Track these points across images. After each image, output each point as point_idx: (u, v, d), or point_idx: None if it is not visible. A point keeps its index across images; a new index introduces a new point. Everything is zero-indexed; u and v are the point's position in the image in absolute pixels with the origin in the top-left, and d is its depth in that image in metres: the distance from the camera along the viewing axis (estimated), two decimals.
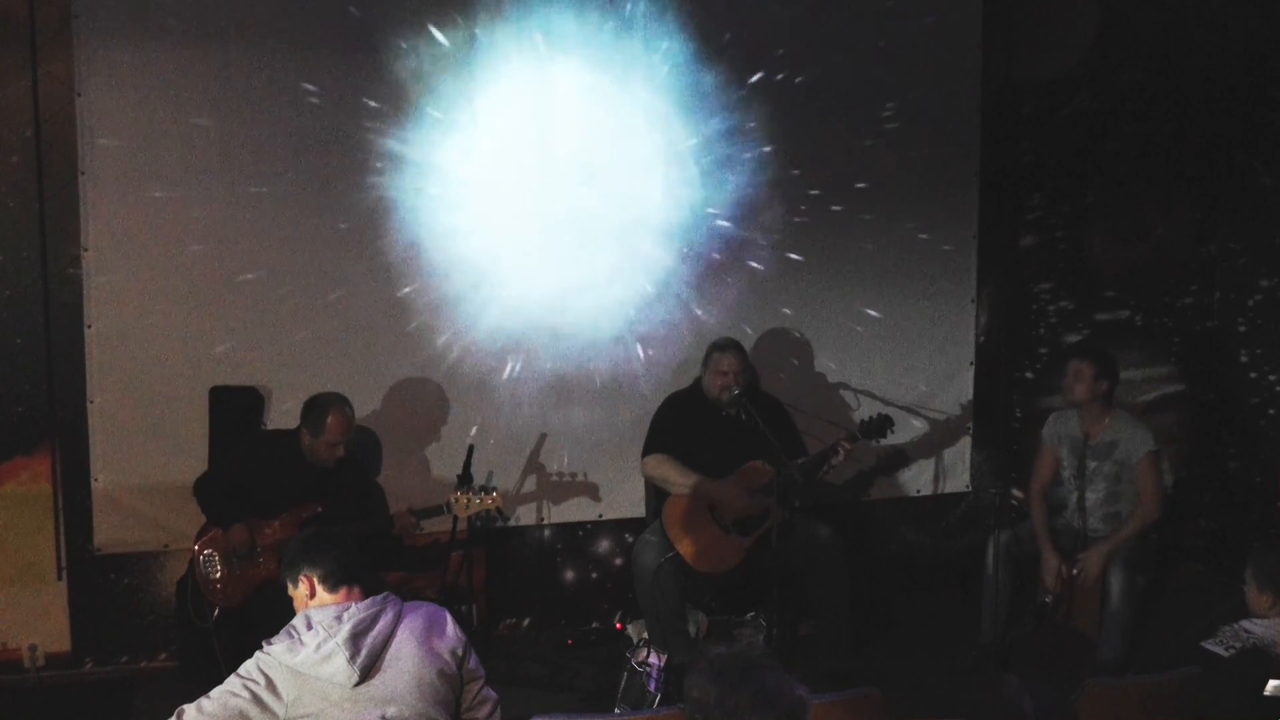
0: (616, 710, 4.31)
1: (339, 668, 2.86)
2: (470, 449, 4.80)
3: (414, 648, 2.97)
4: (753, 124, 5.37)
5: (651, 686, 4.25)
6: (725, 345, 4.90)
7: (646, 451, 4.87)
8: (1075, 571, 4.77)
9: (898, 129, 5.57)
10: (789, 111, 5.42)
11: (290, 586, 3.08)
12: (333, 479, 4.54)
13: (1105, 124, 5.95)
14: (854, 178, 5.56)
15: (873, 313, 5.65)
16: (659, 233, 5.33)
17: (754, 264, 5.46)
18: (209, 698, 2.86)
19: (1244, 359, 6.05)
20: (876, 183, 5.59)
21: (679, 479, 4.70)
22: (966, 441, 5.87)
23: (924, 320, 5.73)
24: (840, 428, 4.94)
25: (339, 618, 2.92)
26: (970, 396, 5.84)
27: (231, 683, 2.88)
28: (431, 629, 3.04)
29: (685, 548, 4.59)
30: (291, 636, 2.92)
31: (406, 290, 5.04)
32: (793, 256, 5.51)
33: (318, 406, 4.50)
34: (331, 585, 3.02)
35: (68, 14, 4.57)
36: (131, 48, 4.63)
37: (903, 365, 5.71)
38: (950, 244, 5.75)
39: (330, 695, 2.87)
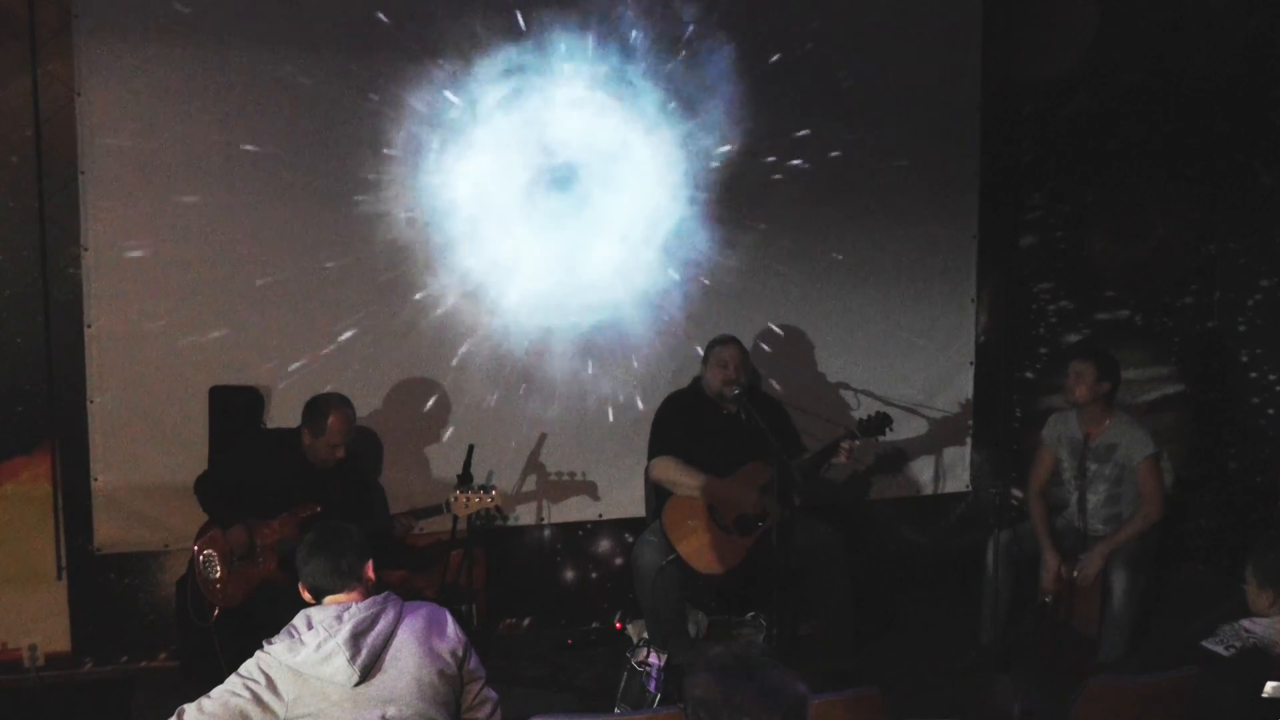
0: (616, 710, 4.31)
1: (339, 668, 2.86)
2: (470, 449, 4.79)
3: (414, 648, 2.97)
4: (752, 125, 5.38)
5: (651, 686, 4.25)
6: (725, 340, 4.91)
7: (652, 454, 4.86)
8: (1074, 573, 4.77)
9: (898, 128, 5.58)
10: (788, 112, 5.42)
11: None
12: (333, 479, 4.53)
13: (1105, 124, 5.95)
14: (854, 178, 5.56)
15: (873, 313, 5.65)
16: (658, 234, 5.33)
17: (754, 264, 5.46)
18: (209, 697, 2.86)
19: (1244, 359, 6.05)
20: (876, 183, 5.59)
21: (687, 480, 4.69)
22: (967, 441, 5.87)
23: (924, 320, 5.74)
24: (840, 427, 4.94)
25: (339, 617, 2.92)
26: (970, 396, 5.84)
27: (232, 682, 2.88)
28: (432, 629, 3.03)
29: (686, 548, 4.59)
30: (292, 636, 2.92)
31: (407, 291, 5.04)
32: (793, 257, 5.51)
33: (319, 407, 4.49)
34: (316, 597, 3.02)
35: (68, 14, 4.58)
36: (131, 48, 4.63)
37: (903, 365, 5.72)
38: (950, 244, 5.75)
39: (330, 695, 2.87)
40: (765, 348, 5.49)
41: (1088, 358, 4.89)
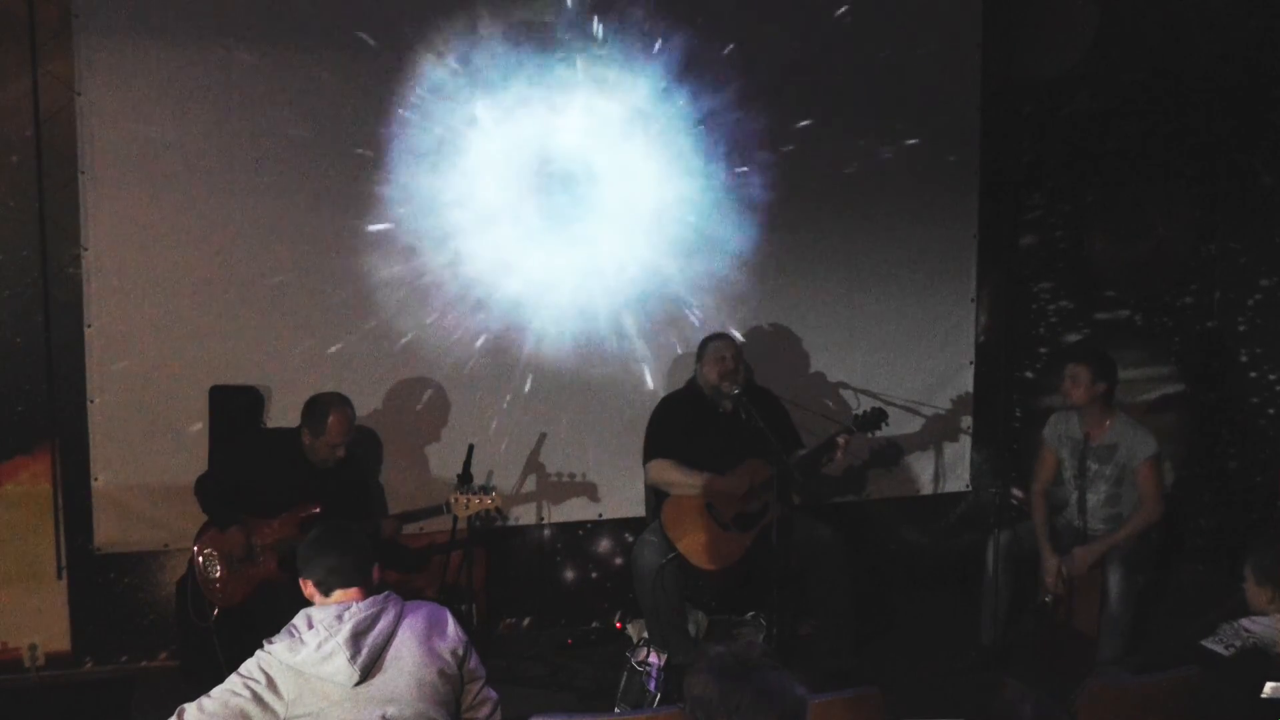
0: (616, 710, 4.31)
1: (340, 667, 2.86)
2: (470, 448, 4.79)
3: (415, 647, 2.97)
4: (753, 125, 5.38)
5: (651, 686, 4.25)
6: (719, 335, 4.96)
7: (648, 457, 4.87)
8: (1069, 564, 4.78)
9: (898, 128, 5.58)
10: (789, 112, 5.42)
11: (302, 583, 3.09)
12: (333, 478, 4.53)
13: (1105, 124, 5.95)
14: (854, 178, 5.56)
15: (873, 312, 5.65)
16: (659, 232, 5.34)
17: (754, 264, 5.46)
18: (210, 697, 2.85)
19: (1244, 359, 6.06)
20: (876, 182, 5.59)
21: (685, 479, 4.70)
22: (966, 441, 5.87)
23: (924, 319, 5.74)
24: (836, 423, 4.95)
25: (340, 617, 2.92)
26: (970, 396, 5.84)
27: (232, 682, 2.88)
28: (432, 629, 3.04)
29: (685, 546, 4.60)
30: (292, 635, 2.92)
31: (407, 290, 5.04)
32: (792, 256, 5.51)
33: (319, 406, 4.49)
34: (325, 591, 3.02)
35: (68, 14, 4.57)
36: (131, 48, 4.63)
37: (903, 364, 5.72)
38: (950, 244, 5.75)
39: (331, 694, 2.87)
40: (765, 347, 5.49)
41: (1081, 360, 4.89)
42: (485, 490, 4.64)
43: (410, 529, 4.83)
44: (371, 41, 4.89)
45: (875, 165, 5.58)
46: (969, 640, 5.06)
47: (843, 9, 5.46)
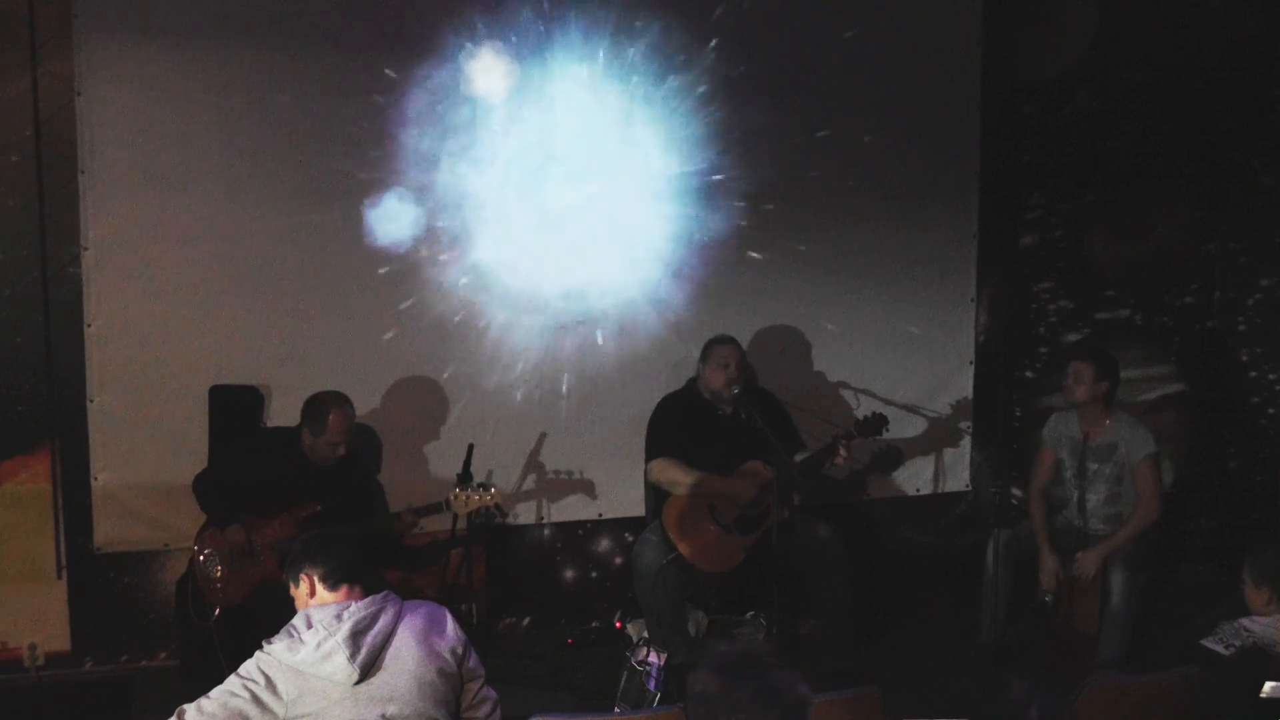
0: (616, 710, 4.31)
1: (339, 666, 2.86)
2: (470, 447, 4.79)
3: (414, 646, 2.97)
4: (752, 123, 5.37)
5: (651, 686, 4.25)
6: (724, 339, 4.93)
7: (650, 457, 4.87)
8: (1075, 571, 4.78)
9: (897, 129, 5.58)
10: (788, 111, 5.42)
11: (292, 586, 3.09)
12: (333, 478, 4.53)
13: (1105, 124, 5.95)
14: (854, 178, 5.56)
15: (873, 312, 5.65)
16: (659, 233, 5.34)
17: (753, 263, 5.46)
18: (209, 697, 2.86)
19: (1244, 358, 6.05)
20: (876, 182, 5.59)
21: (687, 480, 4.70)
22: (966, 441, 5.87)
23: (924, 320, 5.74)
24: (838, 426, 4.95)
25: (339, 616, 2.93)
26: (970, 396, 5.84)
27: (231, 682, 2.88)
28: (432, 628, 3.04)
29: (686, 548, 4.60)
30: (291, 635, 2.92)
31: (406, 289, 5.04)
32: (792, 256, 5.51)
33: (319, 405, 4.49)
34: (332, 584, 3.02)
35: (68, 13, 4.57)
36: (131, 47, 4.63)
37: (903, 364, 5.72)
38: (950, 244, 5.75)
39: (330, 694, 2.87)
40: (765, 347, 5.48)
41: (1086, 358, 4.90)
42: (485, 487, 4.65)
43: None
44: (374, 39, 4.89)
45: (875, 165, 5.57)
46: (969, 639, 5.06)
47: (842, 9, 5.46)
